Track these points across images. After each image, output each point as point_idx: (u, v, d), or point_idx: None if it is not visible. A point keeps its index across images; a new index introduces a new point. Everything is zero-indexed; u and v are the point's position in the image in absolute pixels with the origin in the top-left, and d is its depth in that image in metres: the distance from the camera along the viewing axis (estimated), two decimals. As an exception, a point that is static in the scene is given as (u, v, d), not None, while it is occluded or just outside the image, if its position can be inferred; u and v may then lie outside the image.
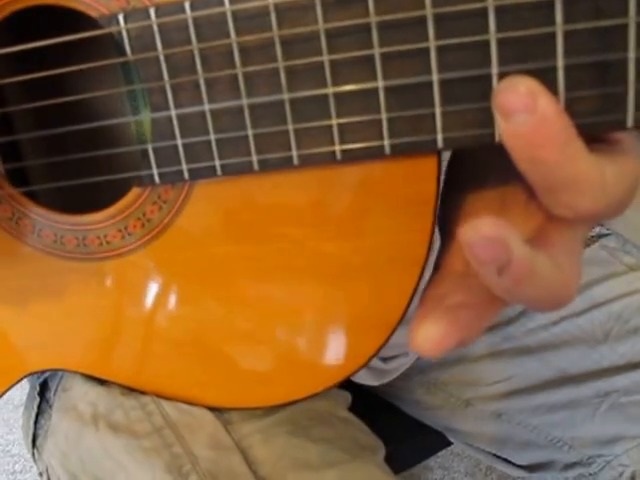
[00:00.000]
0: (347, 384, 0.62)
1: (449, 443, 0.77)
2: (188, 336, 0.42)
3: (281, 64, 0.33)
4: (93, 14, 0.36)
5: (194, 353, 0.42)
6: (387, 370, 0.66)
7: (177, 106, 0.35)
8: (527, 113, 0.26)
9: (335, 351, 0.40)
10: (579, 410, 0.63)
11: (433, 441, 0.78)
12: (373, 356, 0.39)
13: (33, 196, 0.43)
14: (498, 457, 0.70)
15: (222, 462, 0.44)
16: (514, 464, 0.69)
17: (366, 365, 0.40)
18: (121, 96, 0.38)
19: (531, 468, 0.68)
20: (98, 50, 0.37)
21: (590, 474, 0.64)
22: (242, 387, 0.43)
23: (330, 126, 0.33)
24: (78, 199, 0.41)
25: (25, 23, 0.40)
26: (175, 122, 0.35)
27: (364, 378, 0.65)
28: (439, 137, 0.32)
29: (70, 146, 0.41)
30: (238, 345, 0.42)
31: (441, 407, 0.71)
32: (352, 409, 0.56)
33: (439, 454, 1.16)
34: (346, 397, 0.57)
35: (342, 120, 0.33)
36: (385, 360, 0.65)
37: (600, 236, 0.66)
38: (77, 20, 0.37)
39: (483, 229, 0.25)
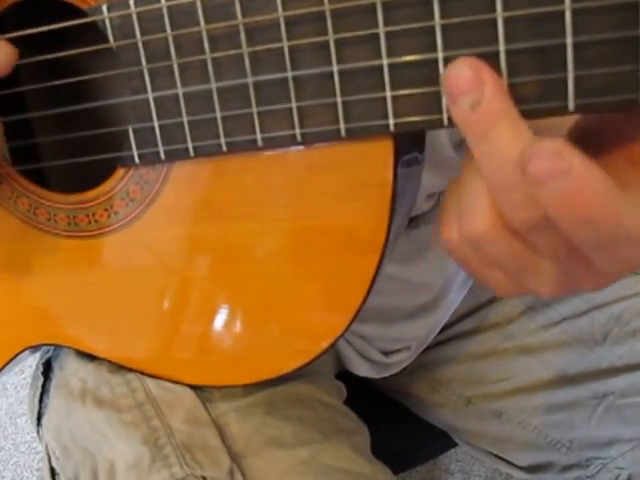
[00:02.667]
0: (352, 379, 0.64)
1: (454, 444, 0.77)
2: (167, 313, 0.44)
3: (245, 50, 0.35)
4: (83, 6, 0.39)
5: (171, 331, 0.45)
6: (389, 364, 0.67)
7: (154, 89, 0.38)
8: (563, 177, 0.25)
9: (300, 331, 0.41)
10: (577, 411, 0.63)
11: (438, 442, 0.79)
12: (338, 338, 0.41)
13: (39, 175, 0.46)
14: (500, 458, 0.70)
15: (197, 436, 0.45)
16: (515, 465, 0.69)
17: (332, 347, 0.41)
18: (115, 81, 0.40)
19: (531, 469, 0.68)
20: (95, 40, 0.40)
21: (588, 476, 0.65)
22: (215, 366, 0.45)
23: (290, 109, 0.35)
24: (85, 179, 0.44)
25: (30, 15, 0.43)
26: (152, 105, 0.38)
27: (365, 371, 0.66)
28: (391, 121, 0.33)
29: (73, 127, 0.43)
30: (211, 324, 0.43)
31: (444, 405, 0.71)
32: (357, 408, 0.57)
33: (459, 458, 1.16)
34: (338, 387, 0.59)
35: (301, 103, 0.35)
36: (387, 354, 0.66)
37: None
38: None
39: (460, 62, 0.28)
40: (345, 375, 0.65)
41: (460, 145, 0.51)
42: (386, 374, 0.68)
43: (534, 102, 0.31)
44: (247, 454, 0.45)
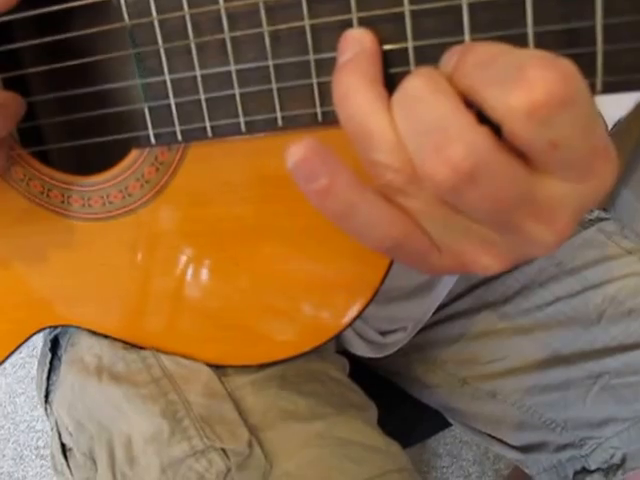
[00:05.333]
0: (347, 358, 0.65)
1: (448, 424, 0.78)
2: (183, 293, 0.44)
3: (266, 29, 0.35)
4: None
5: (188, 310, 0.45)
6: (385, 344, 0.67)
7: (170, 69, 0.37)
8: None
9: (322, 310, 0.42)
10: (571, 391, 0.64)
11: (432, 422, 0.80)
12: (358, 316, 0.41)
13: (45, 158, 0.45)
14: (494, 438, 0.71)
15: (214, 409, 0.46)
16: (509, 445, 0.70)
17: (350, 325, 0.42)
18: (129, 61, 0.40)
19: (525, 449, 0.69)
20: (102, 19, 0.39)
21: (582, 456, 0.65)
22: (235, 344, 0.45)
23: (312, 87, 0.35)
24: (95, 161, 0.44)
25: None
26: (169, 84, 0.38)
27: (363, 350, 0.66)
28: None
29: (82, 108, 0.43)
30: (229, 304, 0.44)
31: (439, 385, 0.72)
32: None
33: (447, 442, 1.17)
34: (343, 362, 0.59)
35: (322, 80, 0.35)
36: (384, 334, 0.67)
37: (599, 220, 0.67)
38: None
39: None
40: (341, 355, 0.66)
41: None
42: (383, 354, 0.68)
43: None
44: (264, 427, 0.46)
